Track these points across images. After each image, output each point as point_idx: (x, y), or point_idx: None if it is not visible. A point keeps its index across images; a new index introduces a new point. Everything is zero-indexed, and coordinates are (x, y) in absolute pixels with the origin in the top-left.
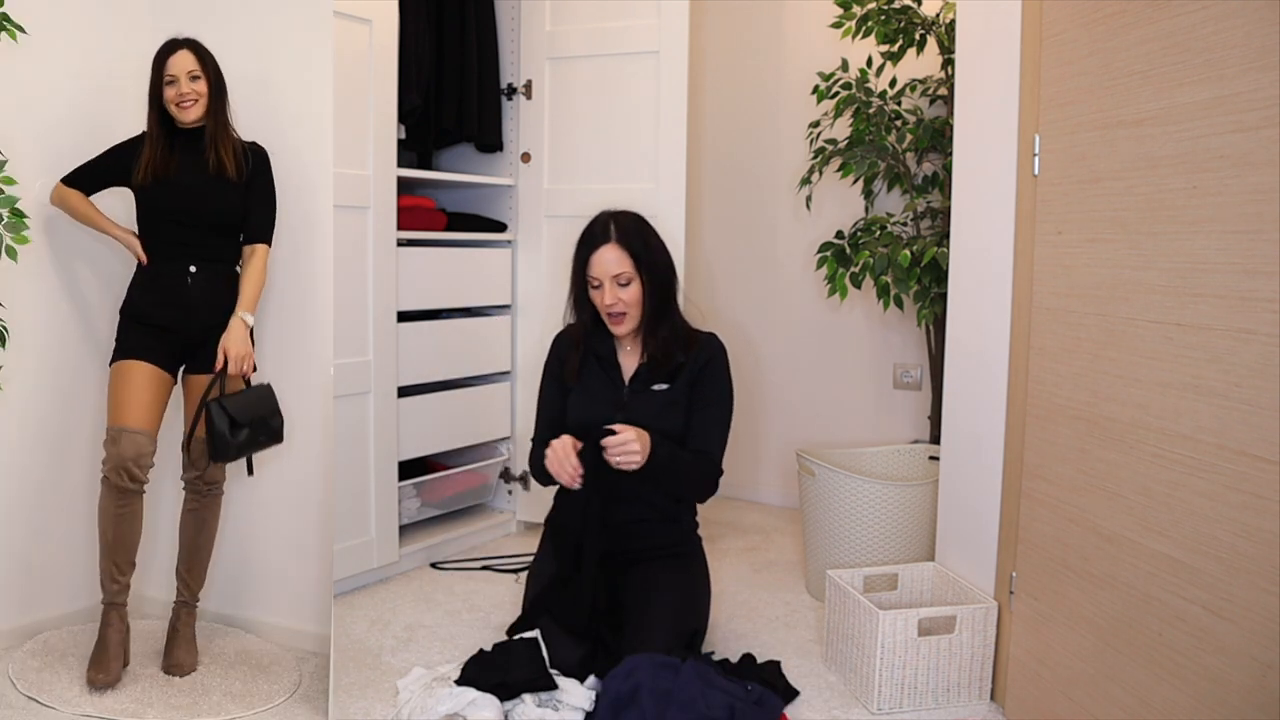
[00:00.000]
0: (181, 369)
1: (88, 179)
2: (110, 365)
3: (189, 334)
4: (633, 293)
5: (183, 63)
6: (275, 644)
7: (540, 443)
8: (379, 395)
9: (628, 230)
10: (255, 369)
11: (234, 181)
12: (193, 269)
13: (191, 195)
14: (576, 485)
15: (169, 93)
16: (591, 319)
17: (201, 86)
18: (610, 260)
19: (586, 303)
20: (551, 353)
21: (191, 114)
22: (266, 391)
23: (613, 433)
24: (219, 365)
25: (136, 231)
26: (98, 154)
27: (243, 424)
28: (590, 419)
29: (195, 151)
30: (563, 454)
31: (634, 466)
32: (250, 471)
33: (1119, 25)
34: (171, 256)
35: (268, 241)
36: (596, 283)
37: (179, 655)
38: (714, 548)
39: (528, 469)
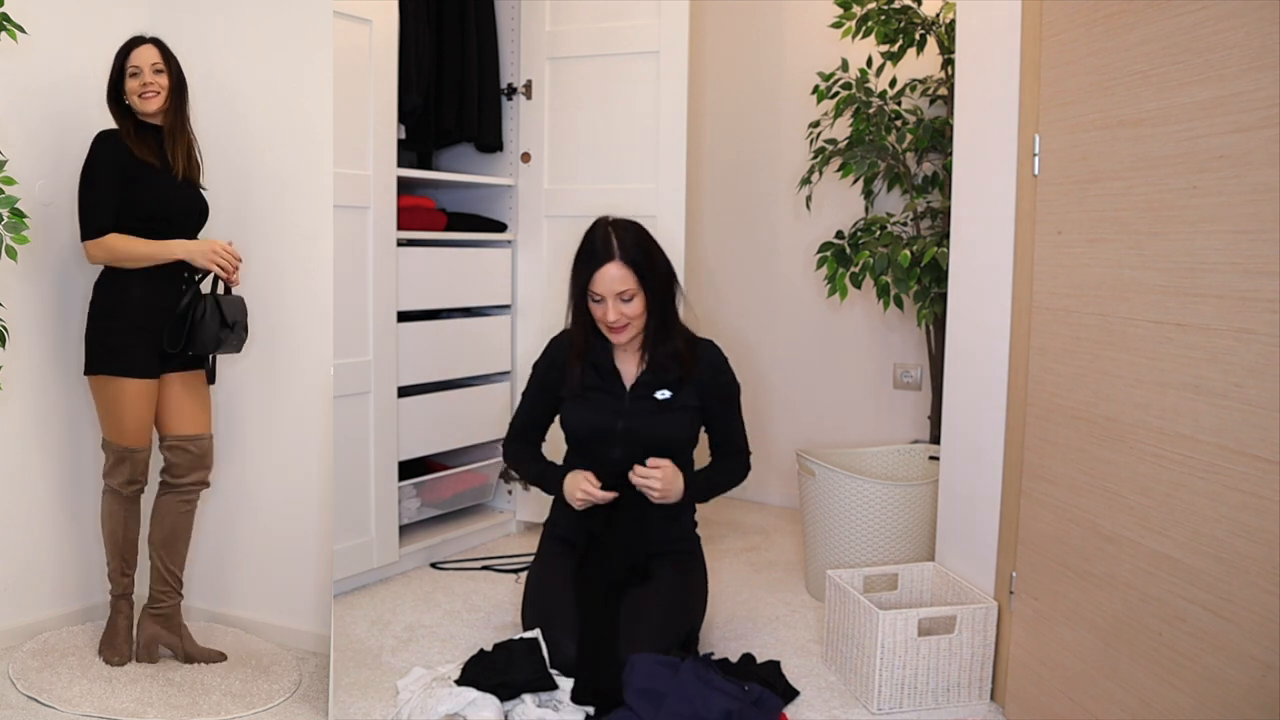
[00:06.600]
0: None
1: (114, 214)
2: (101, 375)
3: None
4: (635, 307)
5: (147, 56)
6: (275, 644)
7: (514, 438)
8: (379, 395)
9: (629, 245)
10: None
11: (196, 181)
12: (185, 273)
13: (169, 193)
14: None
15: (131, 84)
16: (589, 330)
17: (164, 80)
18: (615, 278)
19: (584, 315)
20: (544, 356)
21: (153, 104)
22: (243, 302)
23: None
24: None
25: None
26: (97, 189)
27: (230, 324)
28: (593, 428)
29: (155, 144)
30: (588, 487)
31: (653, 497)
32: (210, 378)
33: (1119, 25)
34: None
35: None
36: (599, 298)
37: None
38: (714, 548)
39: (502, 458)
